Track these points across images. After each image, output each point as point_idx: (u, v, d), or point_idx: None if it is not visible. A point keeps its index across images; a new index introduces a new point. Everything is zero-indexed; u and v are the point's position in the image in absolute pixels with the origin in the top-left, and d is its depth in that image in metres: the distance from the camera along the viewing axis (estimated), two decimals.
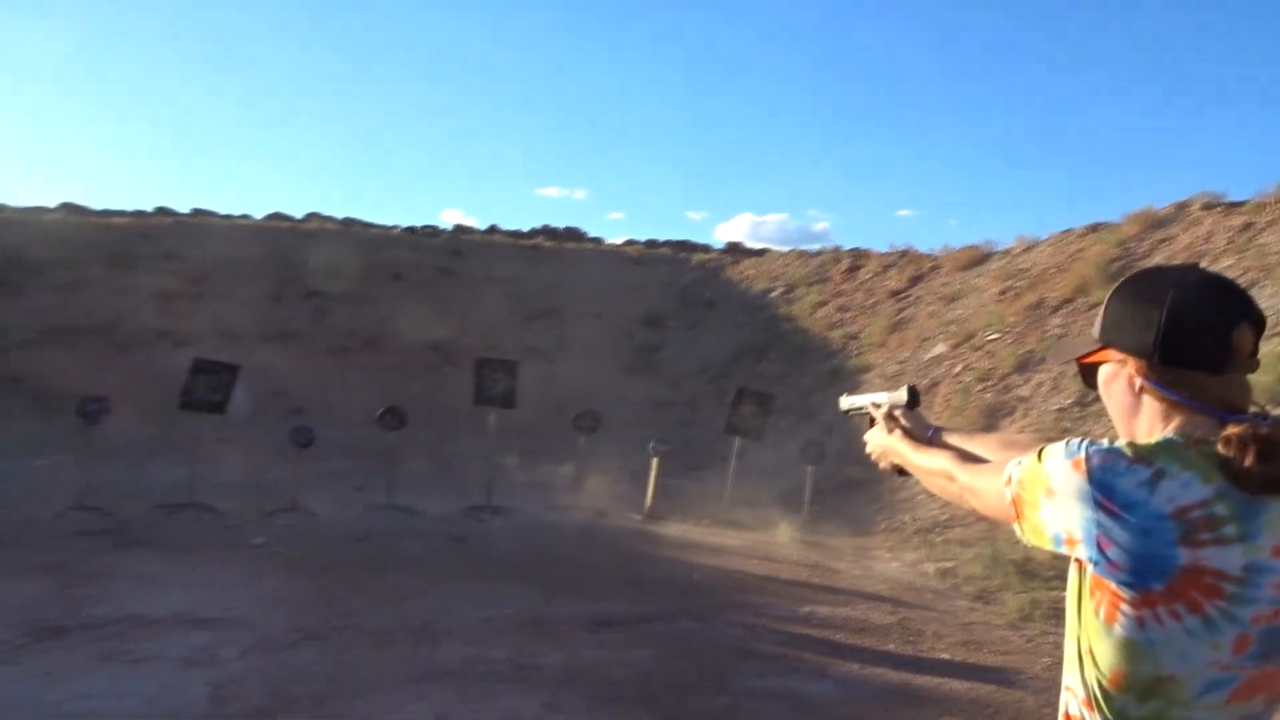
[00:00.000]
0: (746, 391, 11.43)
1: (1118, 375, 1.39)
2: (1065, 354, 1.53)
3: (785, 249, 23.55)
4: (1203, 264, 11.36)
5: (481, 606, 6.61)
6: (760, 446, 12.23)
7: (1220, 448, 1.24)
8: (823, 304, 18.48)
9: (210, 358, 10.73)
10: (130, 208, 23.95)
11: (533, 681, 5.15)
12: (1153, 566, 1.21)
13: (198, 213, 24.21)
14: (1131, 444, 1.29)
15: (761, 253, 24.80)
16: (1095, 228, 14.27)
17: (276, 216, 24.92)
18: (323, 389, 16.26)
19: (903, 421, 1.88)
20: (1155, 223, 13.15)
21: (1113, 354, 1.39)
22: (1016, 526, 1.38)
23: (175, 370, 11.10)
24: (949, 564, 8.23)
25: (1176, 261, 11.76)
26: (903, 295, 16.94)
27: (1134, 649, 1.24)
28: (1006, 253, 15.88)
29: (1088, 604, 1.29)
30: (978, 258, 16.38)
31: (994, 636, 6.31)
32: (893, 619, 6.69)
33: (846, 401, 2.17)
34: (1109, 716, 1.28)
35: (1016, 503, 1.36)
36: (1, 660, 5.07)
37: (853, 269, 19.35)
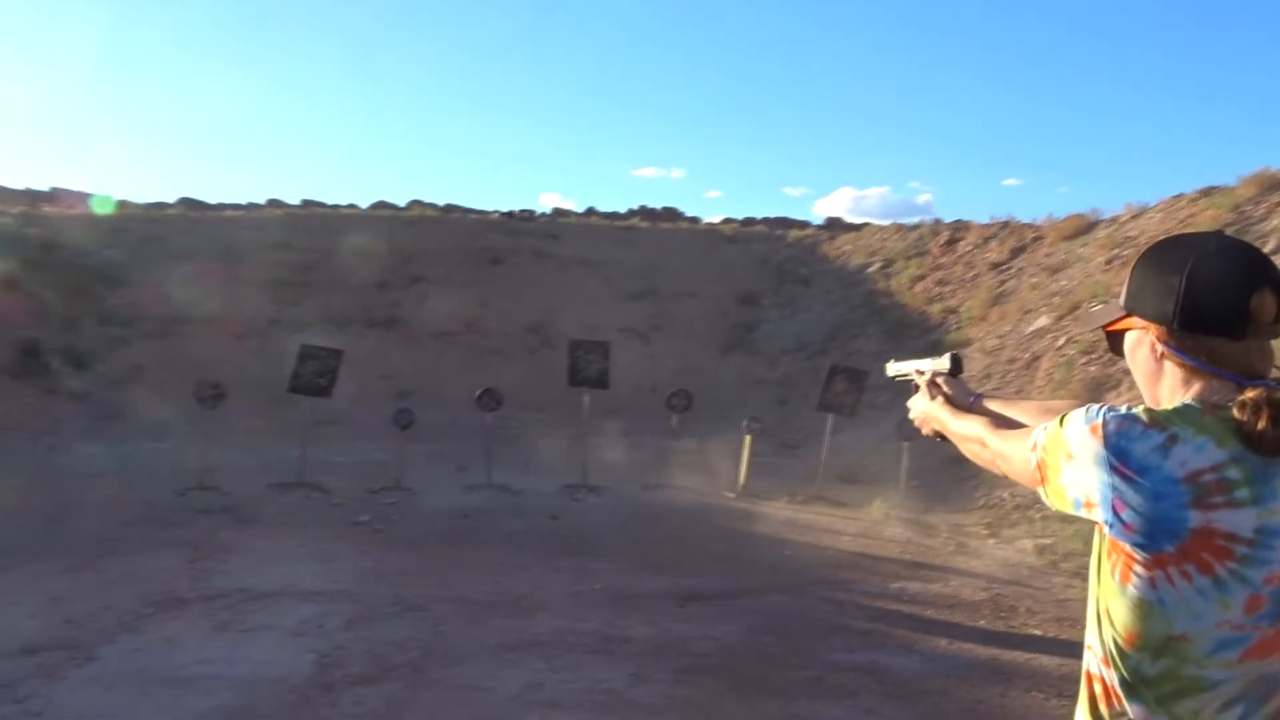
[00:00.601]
0: (839, 368, 11.33)
1: (1141, 342, 1.42)
2: (1093, 322, 1.56)
3: (886, 223, 23.13)
4: None
5: (574, 581, 6.78)
6: (855, 423, 12.12)
7: (1235, 411, 1.26)
8: (921, 278, 18.11)
9: (316, 344, 11.19)
10: (243, 200, 25.07)
11: (621, 653, 5.27)
12: (1164, 529, 1.24)
13: (306, 204, 25.17)
14: (1148, 409, 1.32)
15: (859, 227, 24.41)
16: (1208, 192, 13.59)
17: (381, 205, 25.71)
18: (425, 372, 16.76)
19: (944, 388, 1.91)
20: (1273, 184, 12.45)
21: (1136, 321, 1.42)
22: (1041, 490, 1.43)
23: (285, 356, 11.61)
24: (1048, 541, 8.05)
25: None
26: (1004, 267, 16.48)
27: (1146, 609, 1.27)
28: (1114, 220, 15.25)
29: (1105, 565, 1.32)
30: (1083, 226, 15.78)
31: None
32: (985, 595, 6.60)
33: (893, 367, 2.19)
34: (1125, 674, 1.31)
35: (1041, 467, 1.41)
36: (130, 629, 5.45)
37: (952, 241, 18.89)
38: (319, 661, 5.00)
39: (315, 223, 21.93)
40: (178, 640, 5.26)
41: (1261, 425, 1.23)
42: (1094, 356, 11.54)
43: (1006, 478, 1.68)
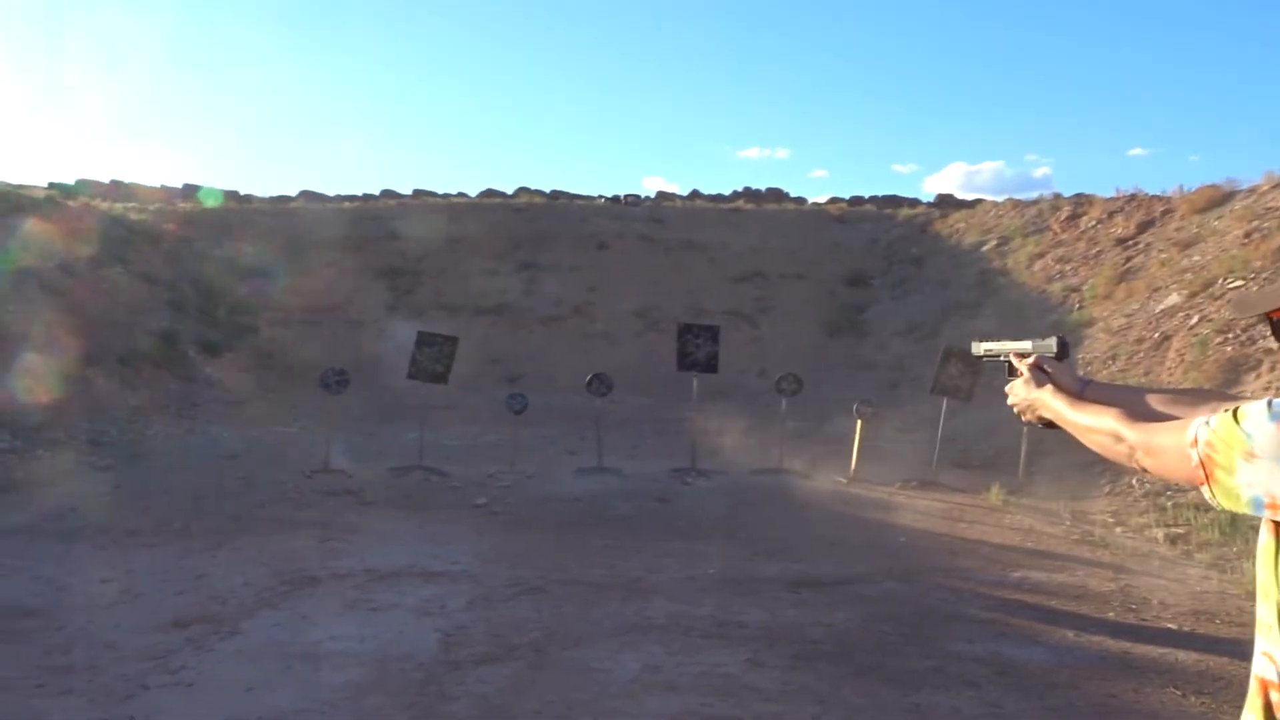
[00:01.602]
0: (954, 350, 11.04)
1: None
2: (1257, 306, 1.47)
3: (1000, 199, 22.39)
4: None
5: (686, 565, 6.83)
6: (971, 407, 11.80)
7: None
8: (1040, 256, 17.50)
9: (432, 330, 11.51)
10: (359, 191, 25.90)
11: (736, 638, 5.29)
12: None
13: (418, 193, 25.84)
14: None
15: (973, 204, 23.70)
16: None
17: (489, 193, 26.21)
18: (535, 357, 17.06)
19: (1053, 374, 1.83)
20: None
21: None
22: (1206, 489, 1.35)
23: (402, 343, 11.98)
24: (1181, 530, 7.71)
25: None
26: (1130, 243, 15.77)
27: None
28: (1252, 190, 14.40)
29: None
30: (1218, 198, 14.96)
31: (1229, 606, 5.89)
32: (1114, 586, 6.36)
33: (983, 347, 2.07)
34: None
35: (1206, 464, 1.33)
36: (268, 605, 5.74)
37: (1074, 217, 18.17)
38: (444, 640, 5.17)
39: (427, 212, 22.51)
40: (312, 616, 5.51)
41: None
42: (1230, 336, 10.97)
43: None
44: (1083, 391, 1.78)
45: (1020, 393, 1.87)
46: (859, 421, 10.61)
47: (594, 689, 4.50)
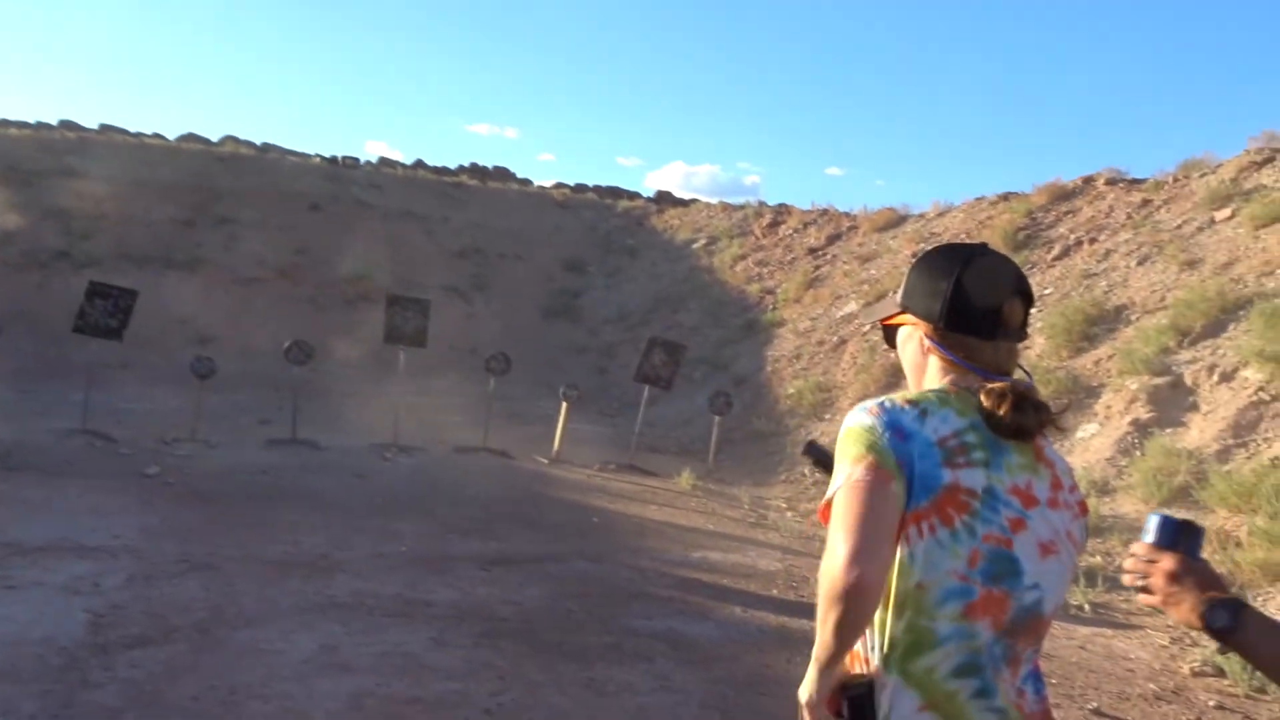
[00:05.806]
0: (658, 340, 11.53)
1: (911, 337, 1.60)
2: (873, 315, 1.72)
3: (714, 200, 23.65)
4: (1102, 237, 11.80)
5: (378, 543, 6.64)
6: (671, 396, 12.41)
7: (983, 398, 1.46)
8: (743, 258, 18.66)
9: (108, 281, 10.39)
10: (32, 119, 22.90)
11: (421, 617, 5.21)
12: (924, 485, 1.40)
13: (105, 129, 23.26)
14: (902, 395, 1.50)
15: (689, 203, 24.86)
16: (1006, 197, 14.66)
17: (190, 138, 24.09)
18: (231, 319, 15.88)
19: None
20: (1062, 195, 13.57)
21: (909, 318, 1.59)
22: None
23: (74, 293, 10.73)
24: None
25: (1078, 234, 12.17)
26: (820, 253, 17.20)
27: (900, 567, 1.39)
28: (921, 216, 16.22)
29: None
30: (894, 220, 16.70)
31: None
32: (779, 566, 6.93)
33: (814, 449, 1.83)
34: (878, 631, 1.42)
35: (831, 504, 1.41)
36: None
37: (774, 224, 19.55)
38: (92, 622, 4.69)
39: (114, 150, 20.30)
40: None
41: (1003, 410, 1.43)
42: None
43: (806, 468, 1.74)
44: None
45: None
46: (564, 404, 10.81)
47: (262, 671, 4.26)
